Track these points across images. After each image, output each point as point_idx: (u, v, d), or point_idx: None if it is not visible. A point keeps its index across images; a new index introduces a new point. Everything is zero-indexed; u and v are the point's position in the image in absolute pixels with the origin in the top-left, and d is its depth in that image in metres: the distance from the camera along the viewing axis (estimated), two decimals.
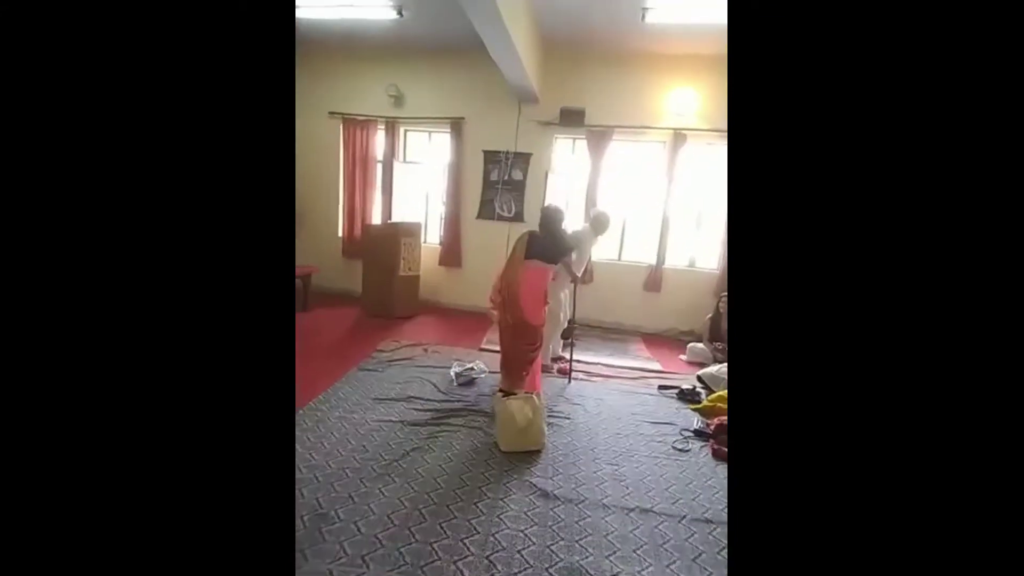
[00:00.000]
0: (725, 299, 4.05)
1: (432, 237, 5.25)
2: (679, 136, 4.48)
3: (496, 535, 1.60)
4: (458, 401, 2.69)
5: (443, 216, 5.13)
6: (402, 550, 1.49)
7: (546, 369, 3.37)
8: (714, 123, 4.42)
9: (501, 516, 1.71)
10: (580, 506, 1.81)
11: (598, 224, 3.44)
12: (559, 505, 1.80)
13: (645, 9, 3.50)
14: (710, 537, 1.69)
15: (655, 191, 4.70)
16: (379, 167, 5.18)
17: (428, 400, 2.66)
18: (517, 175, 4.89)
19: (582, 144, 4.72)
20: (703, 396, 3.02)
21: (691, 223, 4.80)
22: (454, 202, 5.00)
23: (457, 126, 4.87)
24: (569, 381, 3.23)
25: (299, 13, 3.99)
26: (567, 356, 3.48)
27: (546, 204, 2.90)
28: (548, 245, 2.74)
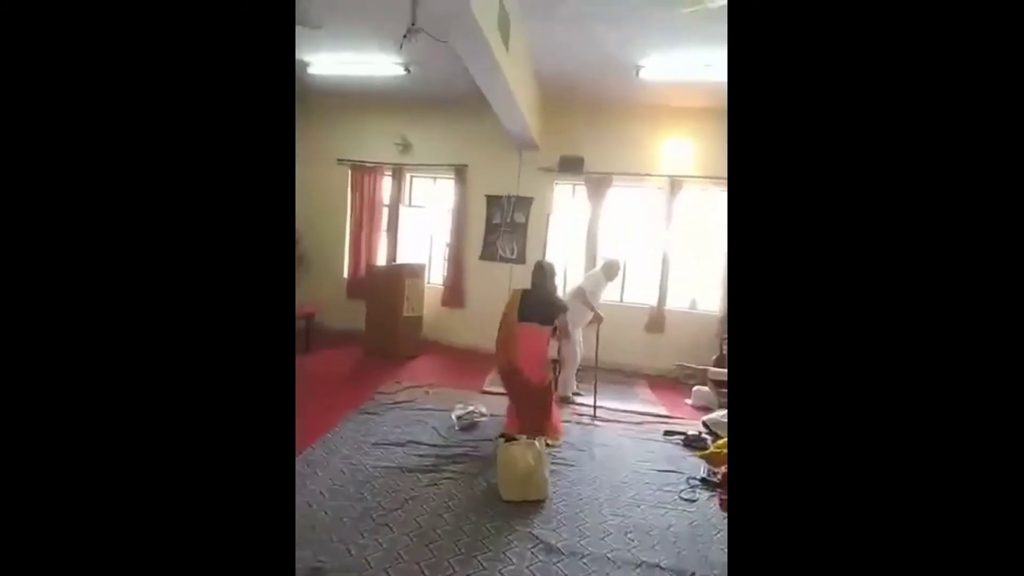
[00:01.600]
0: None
1: (436, 278, 5.32)
2: (676, 183, 4.63)
3: None
4: (459, 446, 2.64)
5: (447, 257, 5.22)
6: None
7: (567, 401, 3.57)
8: (708, 171, 4.58)
9: (502, 571, 1.64)
10: (584, 560, 1.75)
11: (609, 270, 3.71)
12: (562, 559, 1.74)
13: (639, 67, 3.72)
14: None
15: (654, 234, 4.80)
16: (385, 211, 5.34)
17: (429, 445, 2.62)
18: (519, 218, 5.02)
19: (582, 189, 4.87)
20: (709, 442, 2.95)
21: (690, 265, 4.87)
22: (458, 244, 5.11)
23: (461, 172, 5.06)
24: (594, 418, 3.34)
25: (313, 70, 4.24)
26: (583, 394, 3.67)
27: (538, 261, 2.96)
28: (542, 305, 2.73)
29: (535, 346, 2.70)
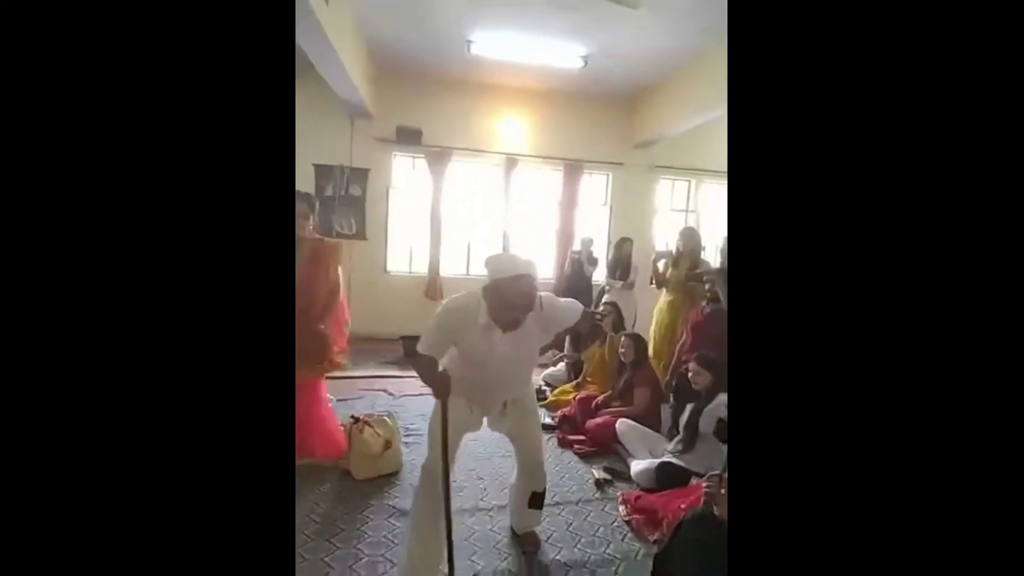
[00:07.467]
0: None
1: None
2: (511, 161, 4.92)
3: (355, 567, 1.52)
4: None
5: None
6: None
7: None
8: (541, 151, 4.98)
9: (359, 545, 1.63)
10: None
11: (492, 294, 1.47)
12: None
13: (469, 41, 3.78)
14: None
15: (494, 210, 5.05)
16: None
17: None
18: (355, 191, 4.72)
19: (422, 163, 4.80)
20: (548, 393, 3.35)
21: (527, 240, 5.29)
22: None
23: None
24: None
25: None
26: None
27: None
28: None
29: None
